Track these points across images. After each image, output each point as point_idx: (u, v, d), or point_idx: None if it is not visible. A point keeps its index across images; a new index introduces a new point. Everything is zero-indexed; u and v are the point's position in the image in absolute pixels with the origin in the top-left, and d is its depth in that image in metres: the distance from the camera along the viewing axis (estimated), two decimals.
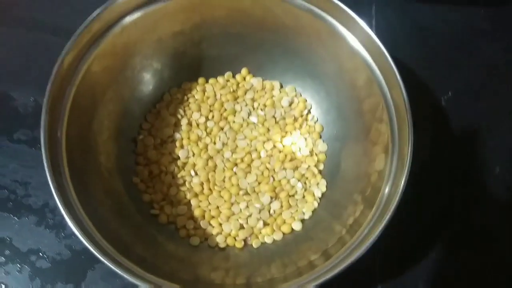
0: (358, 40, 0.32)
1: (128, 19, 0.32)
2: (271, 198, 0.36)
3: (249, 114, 0.39)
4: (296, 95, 0.39)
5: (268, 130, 0.38)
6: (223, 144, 0.38)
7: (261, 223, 0.35)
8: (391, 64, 0.30)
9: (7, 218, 0.36)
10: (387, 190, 0.29)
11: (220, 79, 0.40)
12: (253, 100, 0.39)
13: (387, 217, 0.27)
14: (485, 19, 0.45)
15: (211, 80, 0.40)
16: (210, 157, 0.37)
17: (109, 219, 0.31)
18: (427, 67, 0.43)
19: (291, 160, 0.37)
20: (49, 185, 0.27)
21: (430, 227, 0.38)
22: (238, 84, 0.40)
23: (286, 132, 0.38)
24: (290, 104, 0.39)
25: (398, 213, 0.28)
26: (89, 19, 0.30)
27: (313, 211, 0.35)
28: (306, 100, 0.39)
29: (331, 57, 0.35)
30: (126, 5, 0.31)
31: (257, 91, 0.40)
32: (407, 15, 0.45)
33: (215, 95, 0.39)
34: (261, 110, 0.39)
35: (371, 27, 0.44)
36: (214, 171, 0.36)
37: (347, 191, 0.34)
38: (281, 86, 0.40)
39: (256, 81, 0.40)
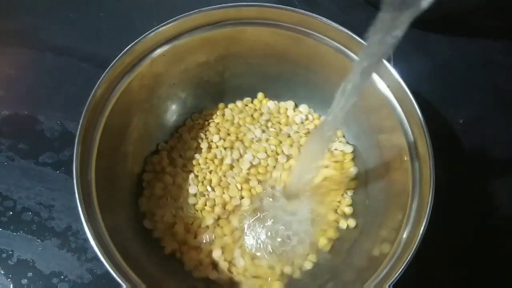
0: (379, 75, 0.33)
1: (158, 52, 0.33)
2: None
3: (263, 131, 0.40)
4: (310, 113, 0.41)
5: (281, 142, 0.39)
6: (235, 160, 0.38)
7: None
8: (414, 104, 0.30)
9: (31, 241, 0.37)
10: (407, 228, 0.29)
11: (239, 103, 0.41)
12: (268, 121, 0.41)
13: (409, 255, 0.27)
14: (502, 52, 0.46)
15: (230, 105, 0.41)
16: (224, 174, 0.38)
17: (132, 247, 0.32)
18: (442, 98, 0.43)
19: None
20: (72, 208, 0.28)
21: (452, 263, 0.38)
22: (255, 108, 0.41)
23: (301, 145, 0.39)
24: (303, 122, 0.40)
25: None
26: (122, 53, 0.31)
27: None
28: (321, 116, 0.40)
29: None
30: (156, 39, 0.32)
31: (272, 114, 0.41)
32: (425, 47, 0.46)
33: (233, 119, 0.40)
34: (274, 128, 0.40)
35: (389, 58, 0.45)
36: (228, 187, 0.37)
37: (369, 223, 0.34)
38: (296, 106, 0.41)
39: (272, 105, 0.41)
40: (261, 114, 0.41)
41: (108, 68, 0.30)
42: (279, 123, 0.40)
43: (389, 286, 0.27)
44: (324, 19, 0.33)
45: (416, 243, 0.27)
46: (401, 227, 0.30)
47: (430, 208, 0.28)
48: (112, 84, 0.31)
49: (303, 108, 0.41)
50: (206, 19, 0.34)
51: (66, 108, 0.41)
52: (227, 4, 0.33)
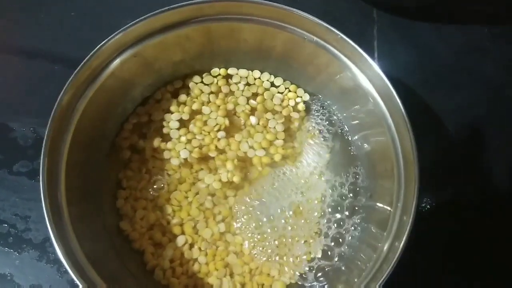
0: (360, 69, 0.32)
1: (128, 52, 0.31)
2: None
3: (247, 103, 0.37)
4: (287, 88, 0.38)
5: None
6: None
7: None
8: (396, 99, 0.29)
9: (8, 254, 0.36)
10: (394, 227, 0.28)
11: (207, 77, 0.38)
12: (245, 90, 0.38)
13: (396, 256, 0.27)
14: (488, 38, 0.44)
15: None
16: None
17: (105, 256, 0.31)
18: (428, 87, 0.42)
19: None
20: None
21: (443, 262, 0.37)
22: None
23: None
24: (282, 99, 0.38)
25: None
26: (87, 57, 0.29)
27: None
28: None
29: (336, 86, 0.35)
30: (124, 39, 0.31)
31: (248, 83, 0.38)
32: (409, 35, 0.44)
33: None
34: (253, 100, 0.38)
35: (373, 49, 0.44)
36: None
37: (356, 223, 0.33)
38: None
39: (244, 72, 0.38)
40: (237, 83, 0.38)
41: (73, 74, 0.28)
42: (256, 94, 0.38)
43: (378, 286, 0.27)
44: (301, 12, 0.31)
45: (403, 241, 0.27)
46: (387, 225, 0.29)
47: (415, 207, 0.27)
48: (79, 90, 0.29)
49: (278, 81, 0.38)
50: (178, 16, 0.32)
51: (39, 113, 0.40)
52: (199, 0, 0.32)
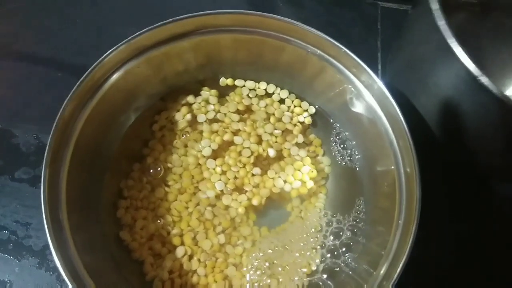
0: (364, 86, 0.32)
1: (132, 63, 0.32)
2: None
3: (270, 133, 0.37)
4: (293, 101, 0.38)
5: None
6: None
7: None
8: (400, 116, 0.29)
9: (8, 260, 0.35)
10: (400, 227, 0.29)
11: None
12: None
13: (405, 252, 0.27)
14: None
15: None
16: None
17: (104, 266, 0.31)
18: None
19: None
20: None
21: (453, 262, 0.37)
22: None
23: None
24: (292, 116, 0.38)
25: None
26: (92, 67, 0.29)
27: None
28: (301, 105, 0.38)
29: (339, 99, 0.35)
30: (129, 50, 0.31)
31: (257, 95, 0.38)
32: None
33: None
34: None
35: (376, 60, 0.44)
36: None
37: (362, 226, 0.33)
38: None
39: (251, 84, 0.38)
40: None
41: (76, 85, 0.28)
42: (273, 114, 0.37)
43: (392, 285, 0.27)
44: (304, 25, 0.31)
45: (411, 239, 0.27)
46: (393, 226, 0.29)
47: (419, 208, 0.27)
48: (82, 100, 0.29)
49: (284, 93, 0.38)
50: (182, 28, 0.32)
51: (42, 120, 0.40)
52: (203, 12, 0.32)
